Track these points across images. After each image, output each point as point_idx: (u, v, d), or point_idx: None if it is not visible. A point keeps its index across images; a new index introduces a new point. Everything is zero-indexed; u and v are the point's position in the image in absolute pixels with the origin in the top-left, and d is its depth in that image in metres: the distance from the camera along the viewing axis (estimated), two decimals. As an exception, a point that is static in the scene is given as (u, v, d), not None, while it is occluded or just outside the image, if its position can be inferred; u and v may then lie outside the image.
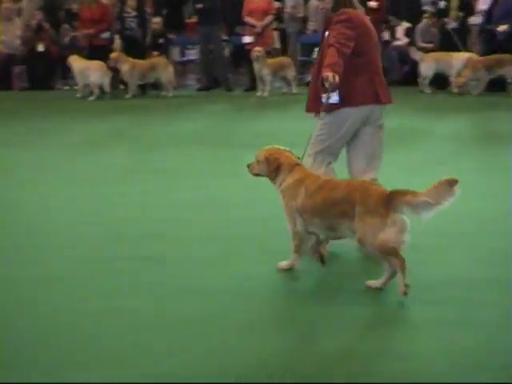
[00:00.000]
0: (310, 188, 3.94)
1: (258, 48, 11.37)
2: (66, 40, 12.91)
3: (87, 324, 3.30)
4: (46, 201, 5.62)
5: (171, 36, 13.01)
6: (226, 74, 12.58)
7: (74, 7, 13.94)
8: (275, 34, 12.74)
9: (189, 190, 5.81)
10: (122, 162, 7.05)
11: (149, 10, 13.05)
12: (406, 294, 3.56)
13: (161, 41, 12.53)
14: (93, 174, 6.58)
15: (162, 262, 4.13)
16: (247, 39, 12.10)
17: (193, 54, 14.24)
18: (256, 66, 11.43)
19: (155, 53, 12.30)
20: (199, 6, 12.15)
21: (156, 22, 12.56)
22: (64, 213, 5.26)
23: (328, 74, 4.17)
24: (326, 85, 4.21)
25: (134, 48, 12.23)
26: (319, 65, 4.40)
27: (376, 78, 4.52)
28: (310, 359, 2.95)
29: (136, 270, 4.00)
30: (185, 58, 14.36)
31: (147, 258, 4.19)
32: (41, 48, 12.32)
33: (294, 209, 3.95)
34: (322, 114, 4.37)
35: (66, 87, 12.84)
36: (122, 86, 12.34)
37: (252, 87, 12.14)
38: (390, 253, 3.61)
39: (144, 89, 12.27)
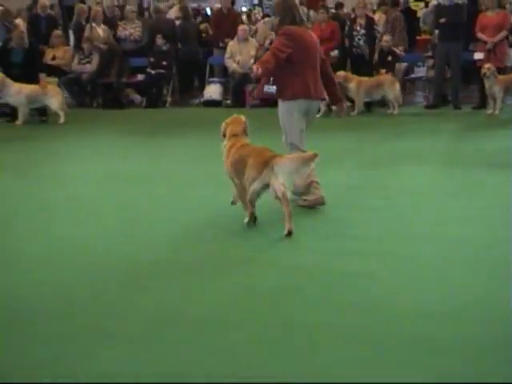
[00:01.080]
0: (233, 151, 5.47)
1: (488, 65, 10.98)
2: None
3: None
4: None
5: (400, 53, 12.92)
6: (457, 91, 12.25)
7: (308, 26, 14.40)
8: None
9: (410, 208, 5.75)
10: (345, 179, 7.14)
11: (378, 27, 13.09)
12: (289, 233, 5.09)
13: (389, 58, 12.50)
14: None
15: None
16: (478, 56, 11.73)
17: (421, 71, 14.10)
18: (486, 83, 11.07)
19: (383, 70, 12.30)
20: (442, 20, 11.93)
21: (386, 39, 12.55)
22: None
23: (253, 67, 5.86)
24: (251, 74, 6.09)
25: (362, 65, 12.34)
26: None
27: (310, 80, 5.91)
28: None
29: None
30: (413, 75, 14.24)
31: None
32: (273, 67, 12.78)
33: (227, 167, 5.52)
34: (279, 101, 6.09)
35: (295, 104, 13.22)
36: (348, 103, 12.48)
37: (482, 105, 11.74)
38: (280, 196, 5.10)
39: (370, 106, 12.30)
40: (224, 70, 13.83)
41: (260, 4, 29.11)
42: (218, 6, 16.77)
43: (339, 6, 16.20)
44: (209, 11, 21.92)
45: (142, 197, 6.63)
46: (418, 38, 14.31)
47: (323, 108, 11.67)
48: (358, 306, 3.86)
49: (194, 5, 22.48)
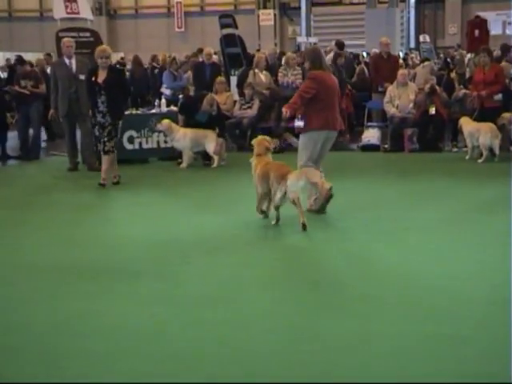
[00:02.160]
0: (260, 167, 7.29)
1: None
2: (456, 102, 13.07)
3: None
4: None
5: None
6: None
7: (467, 70, 14.18)
8: None
9: None
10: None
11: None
12: (304, 227, 6.86)
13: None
14: (479, 238, 6.57)
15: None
16: None
17: None
18: None
19: (552, 115, 11.78)
20: None
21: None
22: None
23: (283, 110, 7.48)
24: (282, 116, 7.77)
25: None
26: None
27: (329, 114, 7.58)
28: None
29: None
30: None
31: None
32: (432, 111, 12.62)
33: (255, 178, 7.31)
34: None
35: (455, 149, 12.90)
36: (512, 148, 12.05)
37: None
38: (293, 201, 6.93)
39: (537, 151, 11.80)
40: (382, 115, 13.79)
41: (417, 48, 28.89)
42: (376, 50, 16.87)
43: (506, 48, 15.79)
44: (365, 55, 22.08)
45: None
46: None
47: (485, 153, 11.35)
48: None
49: (351, 50, 22.72)
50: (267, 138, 7.80)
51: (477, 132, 11.46)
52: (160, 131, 12.03)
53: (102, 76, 9.91)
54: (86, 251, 6.62)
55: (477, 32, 21.15)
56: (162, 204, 8.86)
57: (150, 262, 6.15)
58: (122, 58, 30.47)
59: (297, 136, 13.73)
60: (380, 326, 4.49)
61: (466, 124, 11.72)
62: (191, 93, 13.98)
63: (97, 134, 10.04)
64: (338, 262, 6.09)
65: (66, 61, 11.50)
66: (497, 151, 11.32)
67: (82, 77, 11.28)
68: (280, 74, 14.23)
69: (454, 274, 5.58)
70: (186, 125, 11.77)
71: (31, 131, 13.34)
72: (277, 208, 7.11)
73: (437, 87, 13.01)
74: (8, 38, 36.11)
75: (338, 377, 3.83)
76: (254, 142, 7.72)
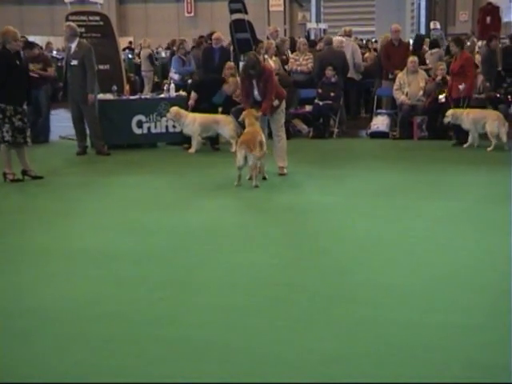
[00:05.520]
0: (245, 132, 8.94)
1: None
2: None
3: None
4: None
5: None
6: None
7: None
8: None
9: None
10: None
11: None
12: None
13: None
14: (489, 227, 6.58)
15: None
16: None
17: None
18: None
19: None
20: None
21: None
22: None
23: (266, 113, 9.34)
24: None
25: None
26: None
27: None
28: None
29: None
30: None
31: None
32: (442, 99, 12.56)
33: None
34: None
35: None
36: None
37: None
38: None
39: None
40: (392, 102, 13.75)
41: (427, 35, 28.73)
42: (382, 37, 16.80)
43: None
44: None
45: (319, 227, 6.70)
46: None
47: (494, 141, 11.29)
48: None
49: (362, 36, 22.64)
50: (253, 111, 9.06)
51: (483, 119, 11.41)
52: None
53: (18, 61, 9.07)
54: (96, 236, 6.65)
55: (488, 19, 20.99)
56: (171, 189, 8.88)
57: (160, 247, 6.18)
58: (130, 43, 30.48)
59: (305, 122, 13.83)
60: (388, 314, 4.51)
61: (471, 111, 11.64)
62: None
63: (19, 124, 9.05)
64: (344, 248, 6.09)
65: (69, 45, 11.41)
66: (504, 139, 11.25)
67: (74, 62, 11.16)
68: (291, 61, 14.23)
69: (462, 263, 5.58)
70: (198, 105, 11.70)
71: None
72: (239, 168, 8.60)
73: (448, 78, 12.90)
74: (18, 22, 36.09)
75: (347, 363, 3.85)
76: (243, 114, 9.11)
